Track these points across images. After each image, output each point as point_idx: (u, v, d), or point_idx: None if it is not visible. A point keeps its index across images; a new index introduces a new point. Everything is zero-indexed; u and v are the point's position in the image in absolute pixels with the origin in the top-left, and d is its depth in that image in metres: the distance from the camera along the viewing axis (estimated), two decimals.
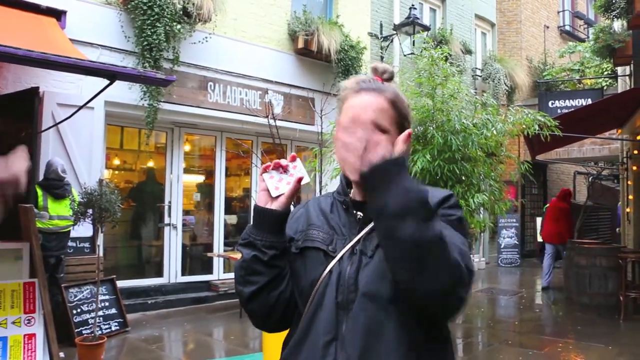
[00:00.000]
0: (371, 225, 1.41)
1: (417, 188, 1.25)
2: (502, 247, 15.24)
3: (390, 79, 1.55)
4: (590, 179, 17.78)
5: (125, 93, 7.89)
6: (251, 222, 1.53)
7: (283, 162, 1.51)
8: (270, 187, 1.49)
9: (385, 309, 1.36)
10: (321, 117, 6.11)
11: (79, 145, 7.55)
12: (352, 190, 1.59)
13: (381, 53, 11.92)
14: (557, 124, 6.98)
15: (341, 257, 1.46)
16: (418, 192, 1.24)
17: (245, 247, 1.50)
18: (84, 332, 6.51)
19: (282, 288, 1.51)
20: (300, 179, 1.49)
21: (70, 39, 7.07)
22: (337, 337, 1.39)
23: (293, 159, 1.51)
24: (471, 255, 1.38)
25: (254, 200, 10.04)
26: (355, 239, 1.47)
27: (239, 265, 1.51)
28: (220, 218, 9.89)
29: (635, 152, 10.63)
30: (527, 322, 8.53)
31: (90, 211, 5.88)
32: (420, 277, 1.23)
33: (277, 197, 1.48)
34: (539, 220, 15.16)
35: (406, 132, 1.47)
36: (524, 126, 6.96)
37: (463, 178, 6.63)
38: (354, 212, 1.53)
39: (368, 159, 1.28)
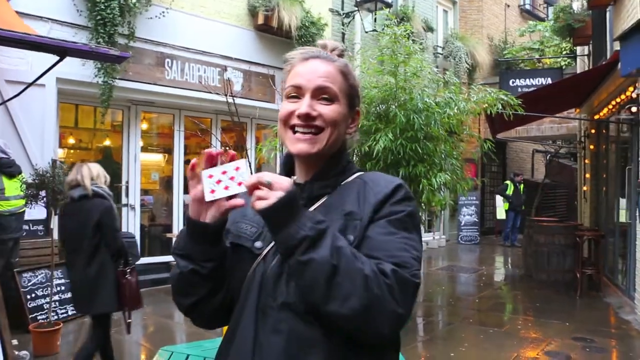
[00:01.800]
0: (252, 197, 1.24)
1: (299, 220, 1.18)
2: (462, 224, 15.47)
3: (340, 56, 1.47)
4: (548, 157, 18.15)
5: (79, 69, 7.60)
6: (184, 229, 1.37)
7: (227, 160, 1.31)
8: (205, 188, 1.28)
9: (309, 322, 1.25)
10: (282, 95, 6.01)
11: (30, 124, 7.27)
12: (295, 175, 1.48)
13: (342, 29, 11.79)
14: (520, 102, 7.02)
15: (265, 255, 1.36)
16: (299, 224, 1.18)
17: (181, 258, 1.36)
18: (39, 317, 6.33)
19: (224, 292, 1.41)
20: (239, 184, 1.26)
21: (18, 12, 6.74)
22: (255, 344, 1.29)
23: (232, 158, 1.28)
24: (420, 259, 1.30)
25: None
26: None
27: (177, 278, 1.38)
28: (179, 198, 9.73)
29: (593, 131, 10.83)
30: (487, 300, 8.66)
31: (42, 193, 5.67)
32: (325, 302, 1.17)
33: (212, 201, 1.29)
34: (498, 198, 15.41)
35: (358, 109, 1.48)
36: (486, 105, 6.98)
37: (425, 157, 6.64)
38: None
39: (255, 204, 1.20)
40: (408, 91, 6.58)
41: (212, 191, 1.28)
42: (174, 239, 9.36)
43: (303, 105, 1.36)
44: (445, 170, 6.85)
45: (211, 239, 1.33)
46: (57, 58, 5.69)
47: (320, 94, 1.37)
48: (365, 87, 6.78)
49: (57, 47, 5.52)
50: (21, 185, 6.05)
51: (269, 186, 1.19)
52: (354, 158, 6.72)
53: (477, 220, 15.50)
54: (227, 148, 1.54)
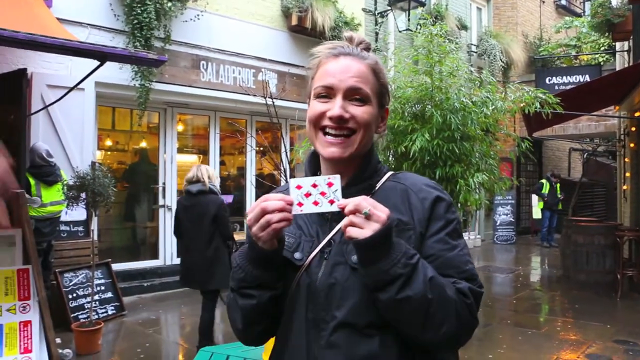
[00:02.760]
0: (344, 221, 1.18)
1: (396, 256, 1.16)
2: (497, 224, 15.26)
3: (367, 50, 1.42)
4: (585, 155, 17.79)
5: (116, 73, 7.73)
6: (242, 262, 1.31)
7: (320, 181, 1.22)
8: (293, 200, 1.21)
9: (368, 335, 1.22)
10: (310, 93, 6.00)
11: (70, 127, 7.41)
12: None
13: (376, 29, 11.75)
14: (559, 101, 6.90)
15: (309, 265, 1.31)
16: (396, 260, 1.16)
17: (255, 289, 1.30)
18: (80, 317, 6.45)
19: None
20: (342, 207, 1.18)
21: (58, 19, 6.89)
22: (309, 358, 1.25)
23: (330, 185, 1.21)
24: (470, 253, 1.32)
25: (250, 183, 9.97)
26: (324, 240, 1.32)
27: (251, 309, 1.32)
28: None
29: (633, 129, 10.58)
30: (524, 301, 8.53)
31: (83, 195, 5.78)
32: (421, 332, 1.19)
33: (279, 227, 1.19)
34: (534, 197, 15.16)
35: (387, 107, 1.45)
36: (524, 104, 6.88)
37: (462, 157, 6.56)
38: None
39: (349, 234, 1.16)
40: (444, 91, 6.50)
41: (300, 204, 1.21)
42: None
43: (335, 107, 1.31)
44: (482, 170, 6.76)
45: (278, 261, 1.29)
46: (97, 63, 5.80)
47: (353, 94, 1.32)
48: (400, 86, 6.74)
49: (97, 52, 5.62)
50: (63, 188, 6.18)
51: (367, 216, 1.14)
52: (390, 158, 6.70)
53: (513, 219, 15.28)
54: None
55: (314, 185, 1.20)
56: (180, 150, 9.51)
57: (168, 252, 9.12)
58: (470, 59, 14.39)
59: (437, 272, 1.22)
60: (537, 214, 15.04)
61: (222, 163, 10.14)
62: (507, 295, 9.07)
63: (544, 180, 14.88)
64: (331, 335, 1.23)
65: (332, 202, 1.19)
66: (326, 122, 1.33)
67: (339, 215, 1.22)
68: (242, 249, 1.34)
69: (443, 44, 6.61)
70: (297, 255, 1.33)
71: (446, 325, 1.17)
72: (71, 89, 6.44)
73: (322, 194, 1.19)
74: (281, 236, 1.28)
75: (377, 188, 1.38)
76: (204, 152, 9.92)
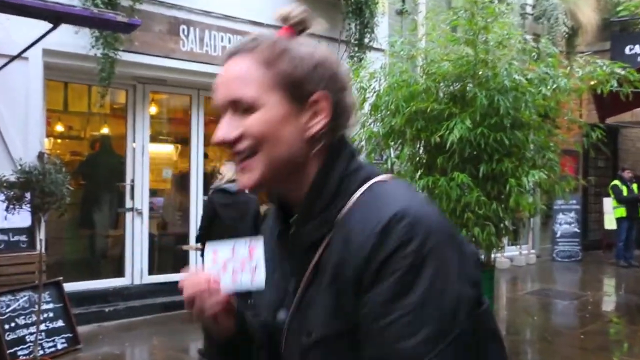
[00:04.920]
0: (307, 275, 1.24)
1: None
2: (557, 236, 15.15)
3: (300, 25, 1.34)
4: None
5: (71, 39, 7.63)
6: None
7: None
8: (214, 270, 1.28)
9: None
10: None
11: (10, 107, 7.38)
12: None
13: None
14: None
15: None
16: None
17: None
18: (19, 353, 6.42)
19: None
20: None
21: None
22: None
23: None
24: (444, 323, 1.11)
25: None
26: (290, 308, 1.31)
27: None
28: (197, 200, 9.76)
29: None
30: (595, 335, 8.42)
31: (28, 195, 5.73)
32: None
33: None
34: (606, 202, 15.01)
35: (316, 96, 1.26)
36: (594, 81, 6.80)
37: (513, 150, 6.53)
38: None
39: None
40: (491, 65, 6.47)
41: (233, 280, 1.27)
42: (190, 252, 9.43)
43: (217, 130, 1.30)
44: (539, 167, 6.72)
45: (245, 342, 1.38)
46: (49, 25, 5.73)
47: (237, 106, 1.27)
48: (434, 60, 6.69)
49: (49, 12, 5.55)
50: None
51: None
52: (421, 151, 6.66)
53: (577, 230, 15.12)
54: None
55: (233, 251, 1.22)
56: (153, 139, 9.49)
57: (137, 268, 9.07)
58: (524, 24, 14.27)
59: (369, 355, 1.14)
60: (611, 223, 14.90)
61: (205, 156, 10.07)
62: (572, 328, 8.97)
63: (617, 181, 14.69)
64: None
65: (254, 274, 1.22)
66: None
67: (299, 258, 1.27)
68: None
69: (490, 6, 6.57)
70: (281, 315, 1.32)
71: None
72: (12, 59, 6.39)
73: (242, 263, 1.22)
74: (237, 310, 1.33)
75: (338, 219, 1.26)
76: (183, 141, 9.91)
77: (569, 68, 7.14)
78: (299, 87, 1.26)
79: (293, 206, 1.31)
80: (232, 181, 6.63)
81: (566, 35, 14.51)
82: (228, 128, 1.27)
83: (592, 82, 6.90)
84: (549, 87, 6.57)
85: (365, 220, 1.18)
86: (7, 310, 6.57)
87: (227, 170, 6.96)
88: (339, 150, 1.31)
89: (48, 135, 8.68)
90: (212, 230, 6.69)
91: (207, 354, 1.40)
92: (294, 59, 1.27)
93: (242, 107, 1.25)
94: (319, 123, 1.27)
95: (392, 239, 1.12)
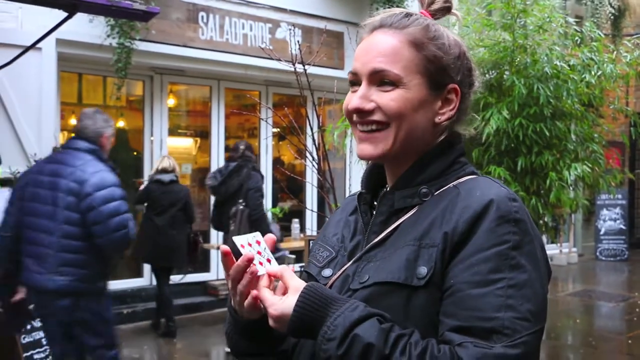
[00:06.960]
0: (384, 234, 1.40)
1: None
2: (601, 233, 15.06)
3: (443, 10, 1.50)
4: None
5: (85, 28, 7.69)
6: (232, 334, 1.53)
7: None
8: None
9: None
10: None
11: (23, 100, 7.45)
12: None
13: None
14: None
15: (331, 286, 1.45)
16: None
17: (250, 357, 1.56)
18: (35, 357, 6.42)
19: None
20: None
21: None
22: None
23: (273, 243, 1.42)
24: (536, 313, 1.24)
25: (266, 174, 9.93)
26: (348, 264, 1.45)
27: None
28: None
29: None
30: None
31: None
32: None
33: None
34: None
35: (452, 86, 1.44)
36: None
37: (554, 142, 6.46)
38: (367, 212, 1.51)
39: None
40: (530, 51, 6.41)
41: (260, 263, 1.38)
42: (211, 252, 9.45)
43: (354, 97, 1.42)
44: (582, 160, 6.66)
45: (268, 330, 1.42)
46: (64, 15, 5.75)
47: (379, 78, 1.40)
48: (469, 46, 6.62)
49: (64, 0, 5.58)
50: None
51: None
52: None
53: (624, 227, 15.00)
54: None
55: (249, 245, 1.37)
56: (172, 132, 9.56)
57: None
58: (565, 6, 14.12)
59: (446, 317, 1.24)
60: None
61: (227, 149, 10.08)
62: (618, 333, 8.90)
63: None
64: None
65: (269, 261, 1.37)
66: (353, 115, 1.45)
67: (376, 225, 1.45)
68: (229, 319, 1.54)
69: None
70: (325, 272, 1.49)
71: None
72: (25, 50, 6.43)
73: (259, 253, 1.36)
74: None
75: (434, 194, 1.42)
76: (203, 135, 9.93)
77: (615, 52, 7.06)
78: (441, 74, 1.42)
79: (391, 177, 1.49)
80: (169, 171, 7.87)
81: (612, 17, 14.35)
82: (365, 99, 1.40)
83: None
84: (593, 74, 6.49)
85: (471, 193, 1.35)
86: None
87: (160, 162, 8.03)
88: (455, 142, 1.50)
89: (62, 130, 8.74)
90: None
91: (229, 334, 1.52)
92: (444, 46, 1.42)
93: (381, 81, 1.39)
94: (447, 113, 1.45)
95: (501, 209, 1.29)
